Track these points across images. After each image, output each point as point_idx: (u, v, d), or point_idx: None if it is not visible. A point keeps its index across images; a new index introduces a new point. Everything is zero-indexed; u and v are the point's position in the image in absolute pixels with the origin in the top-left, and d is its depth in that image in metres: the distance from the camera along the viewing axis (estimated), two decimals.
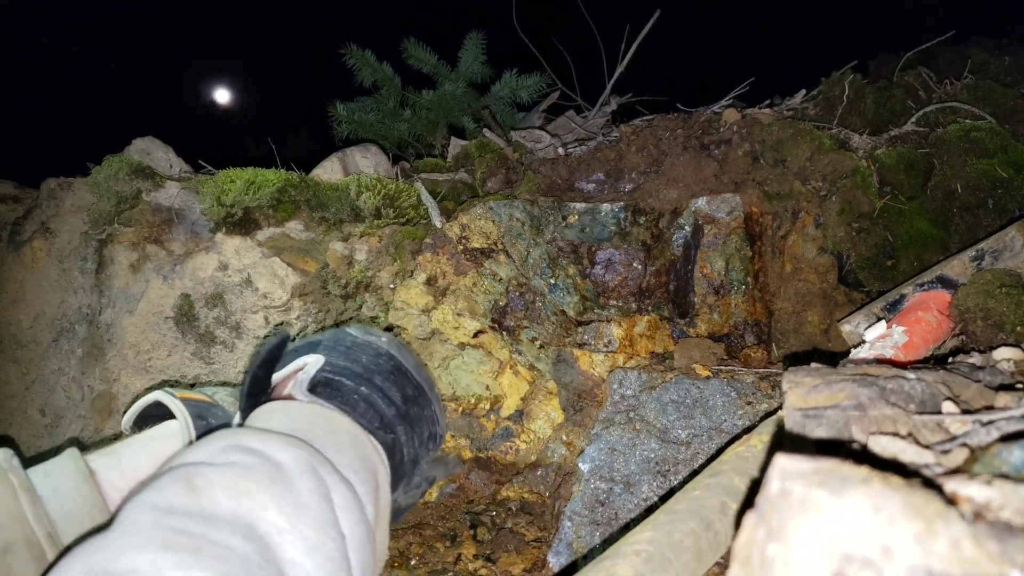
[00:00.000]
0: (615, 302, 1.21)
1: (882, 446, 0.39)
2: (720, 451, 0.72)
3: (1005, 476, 0.32)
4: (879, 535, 0.24)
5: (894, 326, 0.79)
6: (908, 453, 0.38)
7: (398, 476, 0.77)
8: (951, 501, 0.28)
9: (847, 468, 0.27)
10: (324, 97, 2.02)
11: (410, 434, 0.80)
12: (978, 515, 0.27)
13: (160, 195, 1.19)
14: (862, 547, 0.23)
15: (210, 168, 1.34)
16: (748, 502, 0.29)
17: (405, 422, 0.79)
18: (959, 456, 0.38)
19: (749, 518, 0.28)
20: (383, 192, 1.19)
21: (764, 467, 0.32)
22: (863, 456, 0.38)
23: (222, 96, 5.59)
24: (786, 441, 0.43)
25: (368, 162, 1.33)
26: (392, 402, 0.79)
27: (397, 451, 0.77)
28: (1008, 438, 0.36)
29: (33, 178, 1.39)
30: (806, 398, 0.48)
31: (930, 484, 0.28)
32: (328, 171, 1.28)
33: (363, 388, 0.77)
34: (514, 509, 1.03)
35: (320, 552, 0.50)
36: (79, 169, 1.31)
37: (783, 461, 0.27)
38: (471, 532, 1.00)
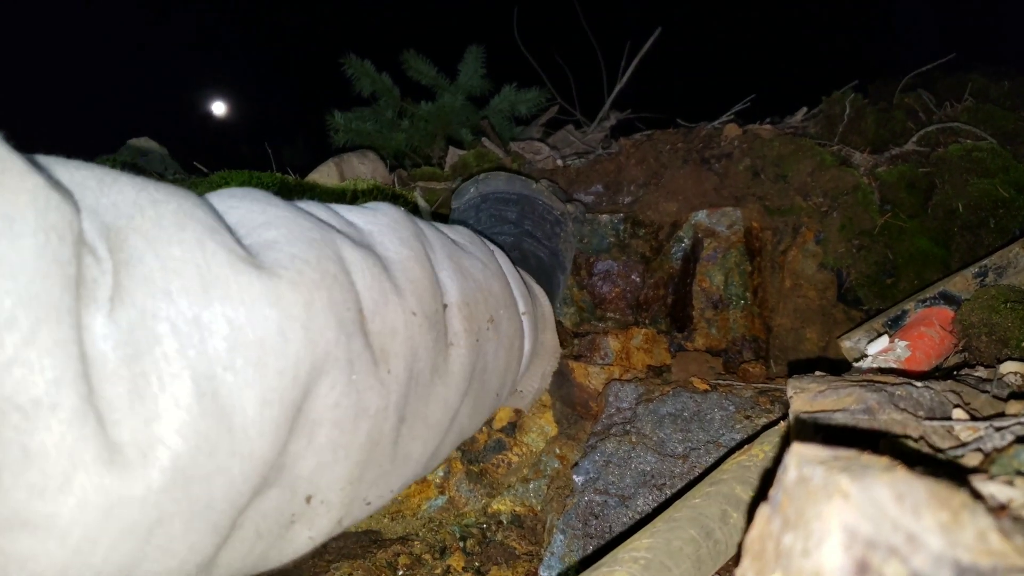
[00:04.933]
0: (612, 314, 1.20)
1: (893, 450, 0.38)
2: (719, 461, 0.71)
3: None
4: (904, 524, 0.22)
5: (897, 340, 0.78)
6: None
7: (545, 272, 0.98)
8: (976, 495, 0.27)
9: (867, 456, 0.25)
10: (322, 107, 2.02)
11: (534, 238, 1.00)
12: (1001, 511, 0.26)
13: None
14: (886, 535, 0.22)
15: (205, 170, 1.33)
16: (757, 501, 0.28)
17: (525, 236, 0.99)
18: (973, 460, 0.36)
19: (763, 510, 0.27)
20: (379, 198, 1.18)
21: (773, 467, 0.31)
22: (880, 449, 0.37)
23: (219, 108, 5.59)
24: (797, 432, 0.42)
25: (365, 168, 1.32)
26: (504, 229, 1.00)
27: (531, 258, 0.95)
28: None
29: None
30: (812, 403, 0.47)
31: (954, 477, 0.26)
32: (324, 176, 1.27)
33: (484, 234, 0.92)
34: (505, 522, 1.01)
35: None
36: None
37: (801, 448, 0.26)
38: (460, 544, 0.97)
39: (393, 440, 0.49)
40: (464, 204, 1.07)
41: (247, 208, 0.43)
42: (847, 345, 0.92)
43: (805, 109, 1.49)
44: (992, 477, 0.30)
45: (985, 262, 0.80)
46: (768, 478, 0.42)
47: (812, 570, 0.22)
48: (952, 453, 0.39)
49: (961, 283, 0.82)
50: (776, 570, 0.25)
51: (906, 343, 0.75)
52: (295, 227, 0.43)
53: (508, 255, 0.91)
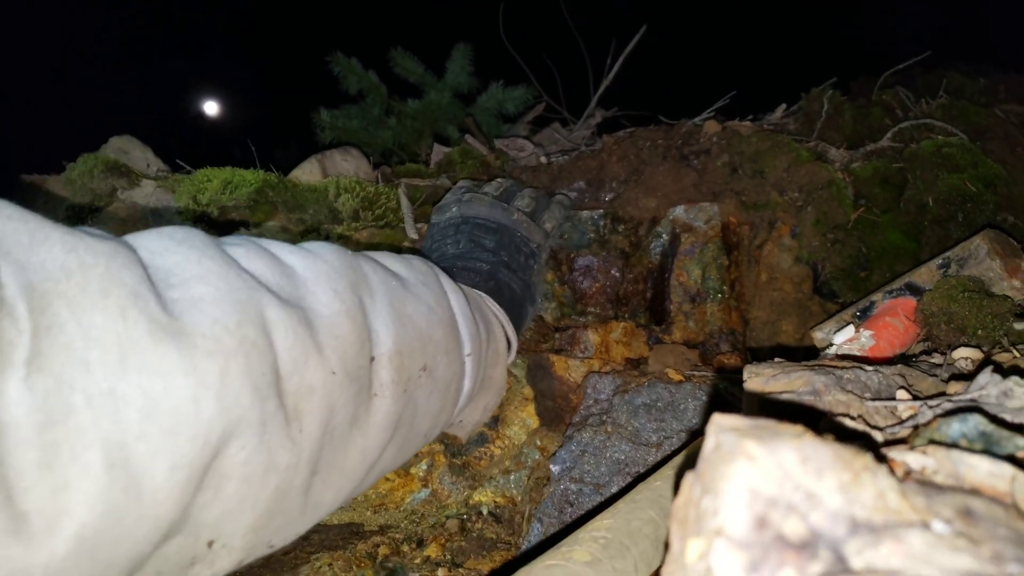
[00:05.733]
0: (592, 308, 1.21)
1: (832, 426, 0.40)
2: (684, 446, 0.73)
3: (940, 444, 0.32)
4: (806, 483, 0.24)
5: (862, 330, 0.80)
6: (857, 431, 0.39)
7: (517, 304, 0.99)
8: (882, 460, 0.28)
9: (782, 426, 0.27)
10: (311, 106, 2.03)
11: (510, 269, 1.00)
12: (907, 476, 0.28)
13: (136, 193, 1.19)
14: (788, 493, 0.24)
15: (188, 168, 1.34)
16: (683, 472, 0.30)
17: (502, 266, 0.99)
18: (905, 434, 0.38)
19: (687, 478, 0.29)
20: (362, 195, 1.19)
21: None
22: (814, 425, 0.39)
23: (211, 108, 5.59)
24: (745, 409, 0.44)
25: (348, 165, 1.34)
26: (482, 256, 1.00)
27: (505, 289, 0.95)
28: (949, 414, 0.36)
29: (12, 178, 1.39)
30: (764, 385, 0.49)
31: (869, 448, 0.28)
32: (307, 173, 1.28)
33: (458, 263, 0.96)
34: (485, 513, 1.03)
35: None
36: (57, 170, 1.31)
37: (719, 418, 0.27)
38: (440, 535, 0.99)
39: (304, 491, 0.50)
40: (444, 222, 1.07)
41: (184, 255, 0.44)
42: (819, 336, 0.94)
43: (784, 106, 1.51)
44: (912, 448, 0.32)
45: (948, 254, 0.82)
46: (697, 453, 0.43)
47: (716, 527, 0.24)
48: (890, 431, 0.41)
49: (926, 274, 0.84)
50: (696, 533, 0.26)
51: (871, 332, 0.77)
52: (223, 286, 0.44)
53: (484, 284, 0.93)
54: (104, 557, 0.36)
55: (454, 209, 1.08)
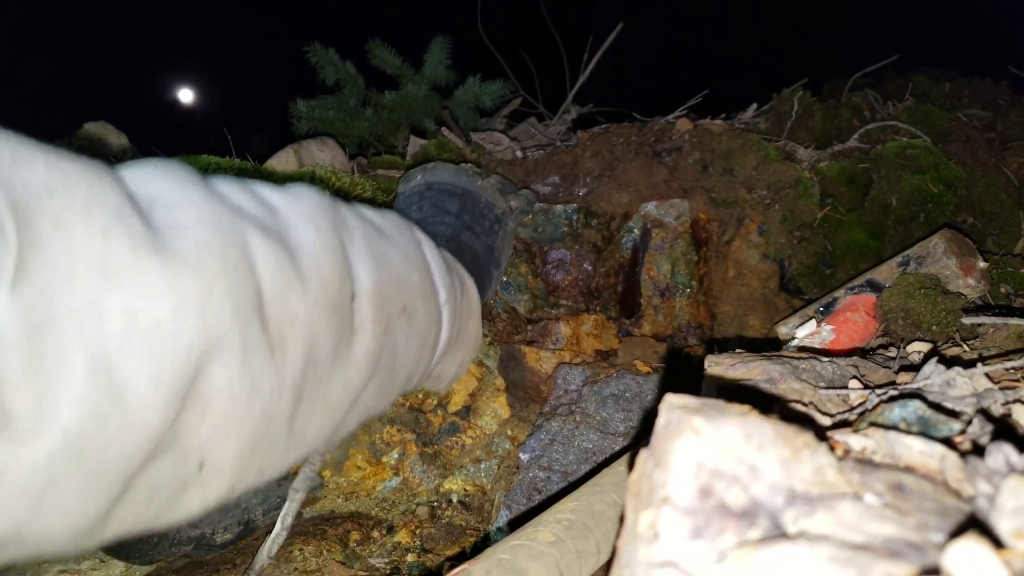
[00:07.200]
0: (565, 301, 1.23)
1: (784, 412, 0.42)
2: (646, 432, 0.75)
3: (881, 427, 0.34)
4: (748, 457, 0.26)
5: (823, 325, 0.82)
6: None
7: (480, 265, 1.00)
8: (823, 440, 0.30)
9: (730, 405, 0.29)
10: (287, 96, 2.03)
11: (472, 232, 1.01)
12: (846, 454, 0.30)
13: None
14: (731, 467, 0.25)
15: (163, 155, 1.33)
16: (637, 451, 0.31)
17: (464, 228, 1.01)
18: (852, 419, 0.40)
19: (641, 454, 0.30)
20: (337, 184, 1.19)
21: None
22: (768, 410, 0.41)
23: (185, 96, 5.53)
24: (704, 393, 0.45)
25: (324, 155, 1.34)
26: (444, 220, 1.01)
27: (467, 251, 0.98)
28: (892, 400, 0.38)
29: None
30: (723, 375, 0.51)
31: (812, 429, 0.30)
32: (283, 162, 1.28)
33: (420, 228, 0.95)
34: (455, 500, 1.04)
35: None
36: None
37: (671, 397, 0.29)
38: (409, 521, 1.00)
39: (289, 418, 0.52)
40: (409, 190, 1.08)
41: (168, 184, 0.45)
42: (783, 331, 0.97)
43: (755, 105, 1.53)
44: (856, 431, 0.34)
45: (908, 252, 0.85)
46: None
47: (664, 496, 0.25)
48: (840, 416, 0.43)
49: (887, 272, 0.86)
50: (647, 505, 0.28)
51: (831, 327, 0.80)
52: (206, 212, 0.45)
53: (445, 245, 0.94)
54: (92, 462, 0.37)
55: (419, 177, 1.09)
